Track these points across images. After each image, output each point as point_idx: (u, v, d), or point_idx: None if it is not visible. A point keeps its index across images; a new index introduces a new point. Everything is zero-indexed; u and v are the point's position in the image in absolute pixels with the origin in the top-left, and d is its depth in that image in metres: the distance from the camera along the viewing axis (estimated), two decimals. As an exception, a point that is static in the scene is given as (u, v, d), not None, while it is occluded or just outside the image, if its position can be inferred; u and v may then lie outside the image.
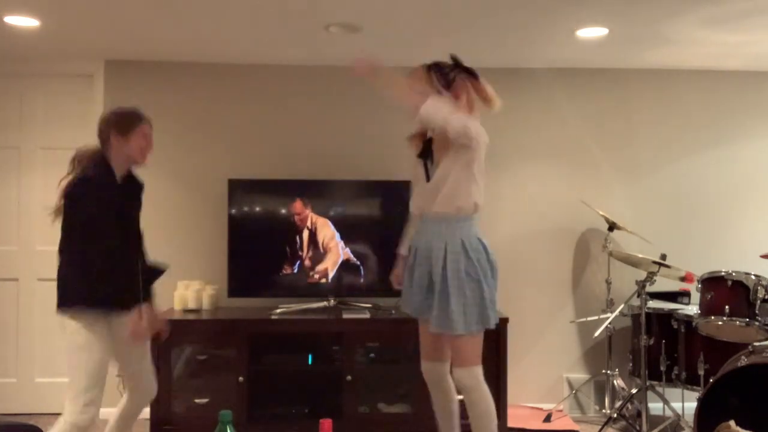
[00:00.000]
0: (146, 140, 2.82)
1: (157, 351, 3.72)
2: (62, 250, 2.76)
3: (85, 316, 2.62)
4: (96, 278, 2.62)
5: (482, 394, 2.77)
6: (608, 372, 4.19)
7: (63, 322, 2.65)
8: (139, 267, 2.76)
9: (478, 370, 2.78)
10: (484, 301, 2.74)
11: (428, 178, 2.85)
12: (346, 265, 4.15)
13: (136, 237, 2.86)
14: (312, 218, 4.12)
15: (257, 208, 4.11)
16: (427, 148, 2.90)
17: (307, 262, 4.12)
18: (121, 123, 2.79)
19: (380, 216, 4.16)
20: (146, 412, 3.76)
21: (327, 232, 4.13)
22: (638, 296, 3.83)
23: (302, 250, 4.12)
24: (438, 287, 2.75)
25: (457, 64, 2.80)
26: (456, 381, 2.80)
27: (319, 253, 4.13)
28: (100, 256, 2.63)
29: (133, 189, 2.89)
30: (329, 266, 4.13)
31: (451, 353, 2.83)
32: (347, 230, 4.15)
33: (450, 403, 3.00)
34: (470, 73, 2.79)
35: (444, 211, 2.78)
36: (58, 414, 4.29)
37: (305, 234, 4.12)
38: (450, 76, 2.75)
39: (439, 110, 2.63)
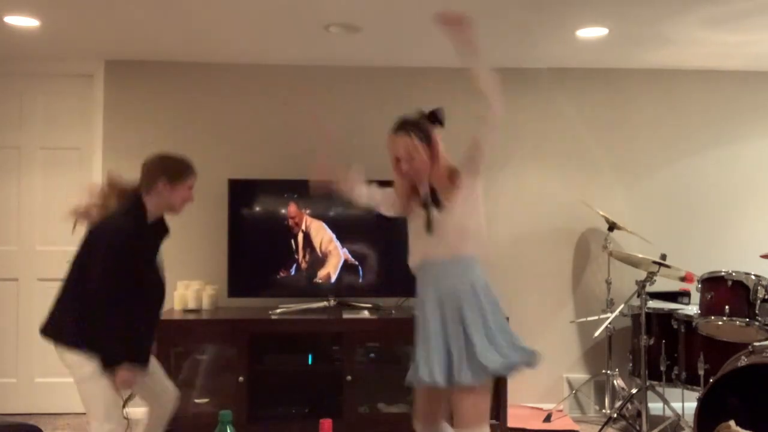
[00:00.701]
0: (190, 193, 2.76)
1: (157, 351, 3.72)
2: (70, 285, 2.59)
3: (82, 351, 2.55)
4: (97, 333, 2.52)
5: None
6: (608, 372, 4.19)
7: (62, 355, 2.56)
8: (147, 327, 2.70)
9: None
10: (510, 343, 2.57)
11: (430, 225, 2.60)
12: (345, 266, 4.15)
13: (157, 284, 2.77)
14: (306, 221, 4.12)
15: (257, 208, 4.11)
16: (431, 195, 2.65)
17: (303, 265, 4.12)
18: (173, 171, 2.70)
19: (380, 216, 4.15)
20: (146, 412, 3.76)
21: (324, 236, 4.12)
22: (638, 296, 3.83)
23: (298, 254, 4.12)
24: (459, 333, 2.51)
25: (430, 117, 2.62)
26: None
27: (316, 256, 4.13)
28: (108, 311, 2.51)
29: (160, 233, 2.81)
30: (331, 270, 4.13)
31: (455, 415, 2.51)
32: (347, 230, 4.15)
33: None
34: (440, 123, 2.63)
35: (453, 254, 2.56)
36: (58, 414, 4.30)
37: (300, 237, 4.12)
38: (428, 128, 2.58)
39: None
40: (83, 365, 2.53)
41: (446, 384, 2.48)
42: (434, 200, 2.60)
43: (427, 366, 2.53)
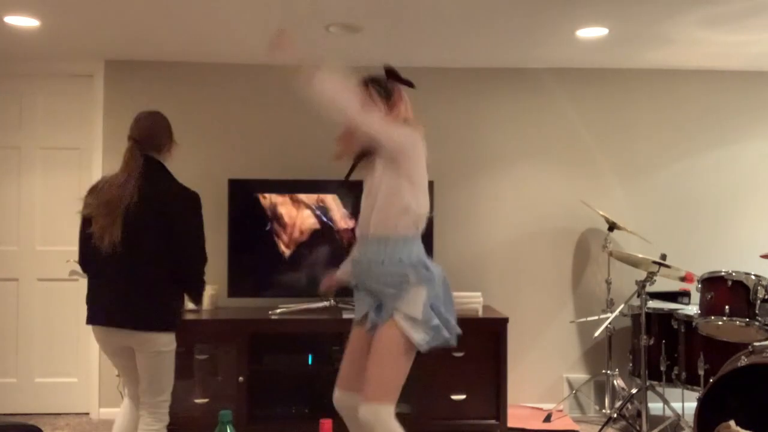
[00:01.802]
0: None
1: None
2: (147, 269, 2.58)
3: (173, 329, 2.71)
4: (199, 293, 2.79)
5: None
6: (608, 372, 4.19)
7: (149, 339, 2.59)
8: None
9: (385, 409, 2.37)
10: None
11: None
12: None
13: None
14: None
15: (257, 208, 4.11)
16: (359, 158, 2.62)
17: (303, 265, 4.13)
18: (171, 131, 2.82)
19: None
20: (146, 412, 3.76)
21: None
22: (638, 296, 3.83)
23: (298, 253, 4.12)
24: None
25: (392, 74, 2.59)
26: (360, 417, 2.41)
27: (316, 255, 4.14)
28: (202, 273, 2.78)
29: None
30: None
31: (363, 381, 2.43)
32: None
33: None
34: (407, 83, 2.60)
35: (380, 232, 2.46)
36: (58, 414, 4.30)
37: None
38: (389, 86, 2.56)
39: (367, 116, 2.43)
40: (172, 341, 2.68)
41: (361, 321, 2.52)
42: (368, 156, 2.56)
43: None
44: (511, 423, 3.95)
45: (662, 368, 3.89)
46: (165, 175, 2.72)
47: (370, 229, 2.52)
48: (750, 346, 3.21)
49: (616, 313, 3.91)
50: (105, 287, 2.61)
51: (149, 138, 2.71)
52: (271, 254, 4.10)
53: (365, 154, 2.62)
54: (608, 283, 4.22)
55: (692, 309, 3.91)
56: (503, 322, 3.87)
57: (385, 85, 2.57)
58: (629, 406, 3.89)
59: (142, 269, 2.57)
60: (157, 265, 2.58)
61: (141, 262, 2.57)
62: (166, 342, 2.65)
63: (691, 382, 3.80)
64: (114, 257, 2.55)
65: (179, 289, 2.69)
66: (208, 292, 4.12)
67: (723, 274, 3.51)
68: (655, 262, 3.77)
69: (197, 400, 3.85)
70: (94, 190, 2.67)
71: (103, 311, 2.61)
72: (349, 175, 2.68)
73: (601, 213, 4.19)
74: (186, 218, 2.66)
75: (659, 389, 3.87)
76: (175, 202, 2.64)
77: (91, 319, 2.64)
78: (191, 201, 2.69)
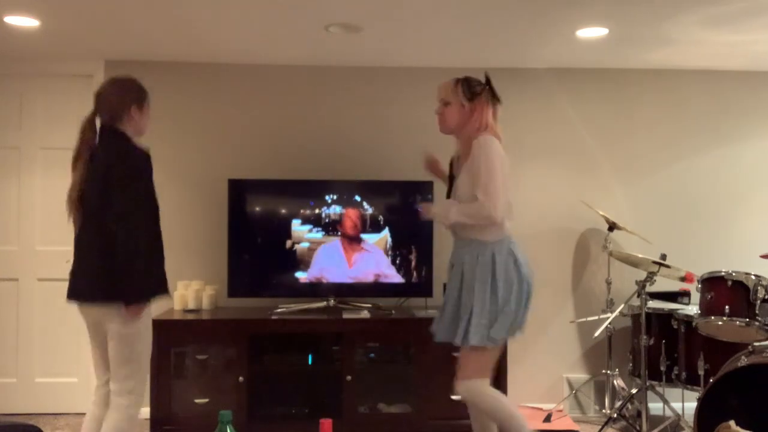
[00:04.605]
0: (149, 113, 2.80)
1: (157, 351, 3.72)
2: (103, 239, 2.53)
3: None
4: (158, 262, 2.64)
5: (483, 402, 2.73)
6: (608, 372, 4.19)
7: (109, 313, 2.57)
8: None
9: (474, 383, 2.73)
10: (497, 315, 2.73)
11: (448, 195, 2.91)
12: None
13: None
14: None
15: (257, 208, 4.11)
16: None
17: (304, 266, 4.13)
18: (141, 95, 2.73)
19: (379, 216, 4.16)
20: (146, 412, 3.76)
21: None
22: (638, 296, 3.83)
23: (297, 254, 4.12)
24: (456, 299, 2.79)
25: (487, 83, 2.81)
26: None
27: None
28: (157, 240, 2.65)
29: None
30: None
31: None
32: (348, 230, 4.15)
33: (485, 425, 2.92)
34: (495, 97, 2.81)
35: (465, 236, 2.81)
36: (58, 414, 4.30)
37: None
38: (476, 90, 2.77)
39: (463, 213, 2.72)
40: (131, 321, 2.58)
41: (441, 338, 2.84)
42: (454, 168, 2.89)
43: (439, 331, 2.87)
44: (511, 423, 3.95)
45: (662, 368, 3.89)
46: (115, 143, 2.64)
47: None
48: (750, 346, 3.22)
49: (616, 313, 3.91)
50: (74, 262, 2.68)
51: (104, 106, 2.68)
52: (271, 254, 4.10)
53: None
54: (608, 283, 4.22)
55: (692, 309, 3.91)
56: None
57: (474, 88, 2.78)
58: (629, 406, 3.89)
59: (92, 239, 2.59)
60: (103, 232, 2.54)
61: (92, 232, 2.59)
62: (120, 319, 2.55)
63: (691, 382, 3.80)
64: (78, 231, 2.65)
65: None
66: (208, 292, 4.12)
67: (723, 274, 3.50)
68: (655, 262, 3.77)
69: (197, 400, 3.85)
70: None
71: (70, 285, 2.67)
72: (449, 192, 2.95)
73: (601, 213, 4.19)
74: (118, 173, 2.54)
75: (659, 389, 3.87)
76: (112, 160, 2.57)
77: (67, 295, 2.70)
78: (127, 157, 2.58)
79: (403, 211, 4.16)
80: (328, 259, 4.13)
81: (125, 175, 2.54)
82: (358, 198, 4.14)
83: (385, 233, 4.14)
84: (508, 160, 2.74)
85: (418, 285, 4.15)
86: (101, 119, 2.70)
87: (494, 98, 2.80)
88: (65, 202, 2.66)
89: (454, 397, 3.82)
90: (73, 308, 4.28)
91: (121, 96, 2.68)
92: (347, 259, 4.14)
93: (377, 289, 4.15)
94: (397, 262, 4.14)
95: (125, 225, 2.49)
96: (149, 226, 2.60)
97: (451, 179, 2.92)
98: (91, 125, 2.69)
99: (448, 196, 2.91)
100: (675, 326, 3.91)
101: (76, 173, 2.66)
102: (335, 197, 4.14)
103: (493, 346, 2.72)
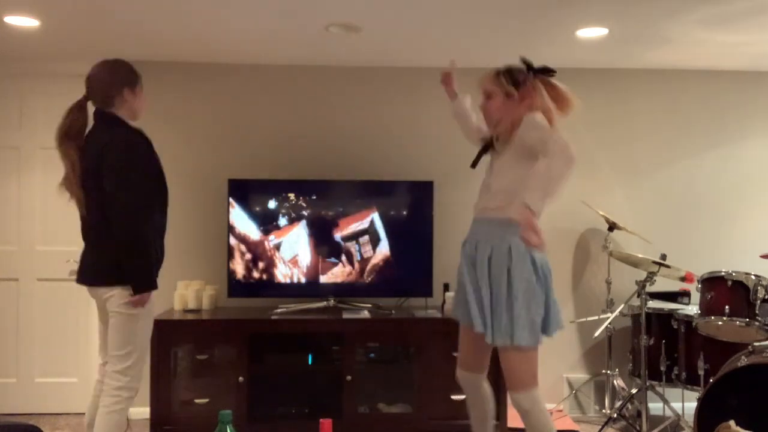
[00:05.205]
0: (143, 95, 2.78)
1: (157, 351, 3.73)
2: (130, 219, 2.54)
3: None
4: (159, 250, 2.69)
5: (539, 416, 2.53)
6: (608, 372, 4.19)
7: (109, 295, 2.61)
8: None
9: (536, 392, 2.53)
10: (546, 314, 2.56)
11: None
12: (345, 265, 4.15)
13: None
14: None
15: (257, 208, 4.11)
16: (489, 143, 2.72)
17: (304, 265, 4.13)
18: (133, 77, 2.71)
19: (379, 216, 4.16)
20: (146, 412, 3.76)
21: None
22: (638, 296, 3.83)
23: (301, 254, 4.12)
24: (502, 294, 2.51)
25: (529, 68, 2.63)
26: (514, 405, 2.57)
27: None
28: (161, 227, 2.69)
29: None
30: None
31: (505, 374, 2.57)
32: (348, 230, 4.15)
33: (486, 411, 2.83)
34: (545, 73, 2.61)
35: (498, 216, 2.56)
36: (58, 414, 4.30)
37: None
38: (519, 77, 2.60)
39: (543, 177, 2.38)
40: (151, 300, 2.63)
41: (482, 332, 2.54)
42: (494, 146, 2.68)
43: (464, 308, 2.62)
44: (511, 423, 3.95)
45: (662, 368, 3.89)
46: (109, 126, 2.63)
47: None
48: (750, 346, 3.22)
49: (616, 313, 3.91)
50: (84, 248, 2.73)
51: (94, 91, 2.67)
52: (271, 254, 4.10)
53: (491, 145, 2.73)
54: (608, 283, 4.22)
55: (692, 309, 3.91)
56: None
57: (516, 76, 2.62)
58: (629, 406, 3.89)
59: (93, 223, 2.64)
60: (101, 217, 2.59)
61: (92, 217, 2.64)
62: (120, 302, 2.58)
63: (691, 382, 3.80)
64: (84, 218, 2.70)
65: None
66: (208, 292, 4.12)
67: (723, 274, 3.51)
68: (655, 262, 3.77)
69: (197, 400, 3.85)
70: None
71: (78, 268, 2.73)
72: (475, 163, 2.79)
73: (601, 213, 4.19)
74: (111, 160, 2.55)
75: (659, 389, 3.87)
76: (106, 147, 2.57)
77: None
78: (120, 143, 2.57)
79: (403, 210, 4.16)
80: (328, 258, 4.13)
81: (123, 166, 2.54)
82: (358, 198, 4.14)
83: (385, 233, 4.14)
84: None
85: (418, 285, 4.15)
86: (94, 103, 2.69)
87: (545, 74, 2.59)
88: (62, 184, 2.70)
89: (454, 397, 3.82)
90: (73, 308, 4.31)
91: (112, 78, 2.66)
92: (347, 258, 4.14)
93: (377, 289, 4.15)
94: (397, 261, 4.14)
95: (130, 215, 2.52)
96: (152, 214, 2.62)
97: (479, 155, 2.75)
98: (81, 108, 2.68)
99: (473, 165, 2.76)
100: (675, 326, 3.91)
101: (68, 157, 2.67)
102: (335, 197, 4.14)
103: (539, 344, 2.53)
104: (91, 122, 2.73)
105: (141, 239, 2.54)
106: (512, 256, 2.50)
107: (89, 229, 2.69)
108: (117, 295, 2.59)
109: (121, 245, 2.53)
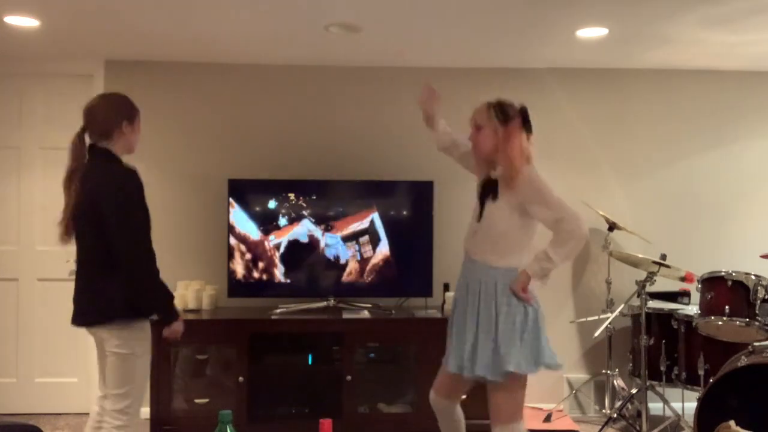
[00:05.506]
0: (139, 130, 2.76)
1: (158, 351, 3.72)
2: (102, 258, 2.56)
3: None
4: (154, 290, 2.61)
5: None
6: (608, 372, 4.19)
7: (106, 336, 2.58)
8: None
9: (519, 427, 2.57)
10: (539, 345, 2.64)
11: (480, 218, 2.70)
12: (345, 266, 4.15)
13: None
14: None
15: (257, 208, 4.11)
16: (489, 187, 2.70)
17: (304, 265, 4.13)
18: (131, 110, 2.70)
19: (379, 216, 4.16)
20: (146, 412, 3.76)
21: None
22: (638, 296, 3.83)
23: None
24: (490, 328, 2.58)
25: (521, 111, 2.67)
26: None
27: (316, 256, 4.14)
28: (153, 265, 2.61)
29: None
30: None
31: (489, 407, 2.61)
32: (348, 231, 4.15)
33: (458, 429, 2.85)
34: (527, 125, 2.67)
35: (489, 264, 2.62)
36: (58, 414, 4.30)
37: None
38: (509, 113, 2.63)
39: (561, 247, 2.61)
40: (127, 343, 2.56)
41: (457, 372, 2.61)
42: (491, 191, 2.66)
43: (449, 353, 2.68)
44: None
45: (662, 368, 3.89)
46: (104, 163, 2.61)
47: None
48: (750, 346, 3.22)
49: (616, 313, 3.91)
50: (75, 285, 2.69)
51: (92, 124, 2.65)
52: (271, 254, 4.10)
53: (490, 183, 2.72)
54: (608, 283, 4.22)
55: (692, 309, 3.91)
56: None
57: (507, 111, 2.64)
58: (629, 406, 3.89)
59: (87, 263, 2.62)
60: (95, 257, 2.58)
61: (85, 257, 2.63)
62: (117, 343, 2.55)
63: (691, 382, 3.80)
64: (77, 255, 2.68)
65: (118, 279, 2.53)
66: (208, 292, 4.12)
67: (723, 274, 3.51)
68: (655, 262, 3.77)
69: (197, 400, 3.86)
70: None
71: (74, 310, 2.68)
72: (482, 205, 2.73)
73: (601, 213, 4.19)
74: (111, 201, 2.53)
75: (659, 389, 3.87)
76: (103, 187, 2.55)
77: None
78: (118, 183, 2.56)
79: (403, 210, 4.16)
80: (329, 258, 4.13)
81: (123, 203, 2.53)
82: (358, 198, 4.14)
83: (385, 233, 4.14)
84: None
85: (418, 285, 4.15)
86: (91, 136, 2.66)
87: (527, 128, 2.65)
88: (58, 223, 2.69)
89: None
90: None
91: (112, 111, 2.65)
92: (347, 258, 4.14)
93: (377, 289, 4.15)
94: (397, 261, 4.14)
95: (137, 254, 2.52)
96: (152, 248, 2.61)
97: (481, 199, 2.72)
98: (81, 142, 2.66)
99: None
100: (675, 326, 3.91)
101: (69, 196, 2.65)
102: (335, 197, 4.14)
103: (531, 373, 2.58)
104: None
105: (152, 274, 2.56)
106: (499, 291, 2.59)
107: (82, 268, 2.65)
108: (114, 336, 2.56)
109: (132, 284, 2.52)
